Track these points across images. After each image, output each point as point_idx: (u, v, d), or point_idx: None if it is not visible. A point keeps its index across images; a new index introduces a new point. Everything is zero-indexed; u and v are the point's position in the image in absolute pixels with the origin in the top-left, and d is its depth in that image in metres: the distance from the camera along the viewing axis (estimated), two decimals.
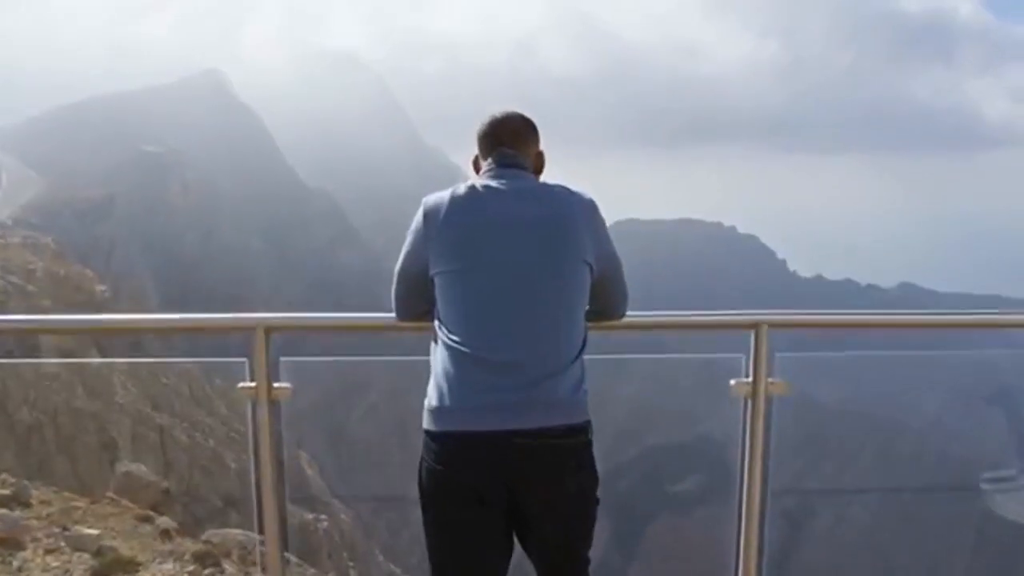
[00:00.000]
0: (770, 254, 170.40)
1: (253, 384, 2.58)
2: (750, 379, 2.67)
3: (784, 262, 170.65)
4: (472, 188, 2.13)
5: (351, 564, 12.72)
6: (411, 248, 2.17)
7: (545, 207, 2.09)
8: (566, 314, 2.05)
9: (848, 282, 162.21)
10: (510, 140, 2.21)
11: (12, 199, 41.86)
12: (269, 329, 2.56)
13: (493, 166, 2.19)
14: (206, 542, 4.98)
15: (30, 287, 15.74)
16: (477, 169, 2.27)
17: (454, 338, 2.02)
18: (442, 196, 2.13)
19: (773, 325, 2.68)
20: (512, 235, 2.04)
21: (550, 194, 2.14)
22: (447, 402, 1.99)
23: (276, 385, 2.59)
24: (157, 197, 53.05)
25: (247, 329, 2.64)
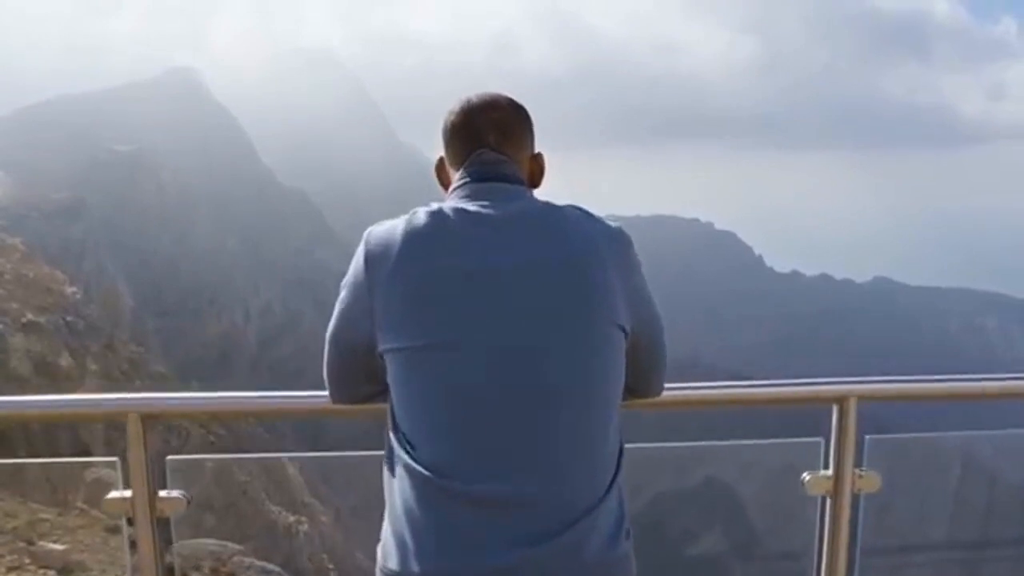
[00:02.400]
0: (747, 250, 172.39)
1: (127, 494, 1.89)
2: (831, 472, 2.01)
3: (761, 258, 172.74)
4: (439, 216, 1.40)
5: (331, 567, 12.62)
6: (347, 306, 1.44)
7: (555, 244, 1.37)
8: (596, 414, 1.33)
9: (824, 277, 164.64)
10: (495, 138, 1.48)
11: None
12: (148, 417, 1.88)
13: (468, 179, 1.46)
14: (176, 554, 4.85)
15: None
16: (445, 183, 1.54)
17: (418, 456, 1.31)
18: (393, 229, 1.41)
19: (865, 397, 2.01)
20: (505, 290, 1.34)
21: (561, 223, 1.40)
22: (413, 566, 1.26)
23: (162, 494, 1.90)
24: (130, 198, 52.27)
25: (115, 417, 1.97)
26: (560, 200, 1.45)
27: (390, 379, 1.38)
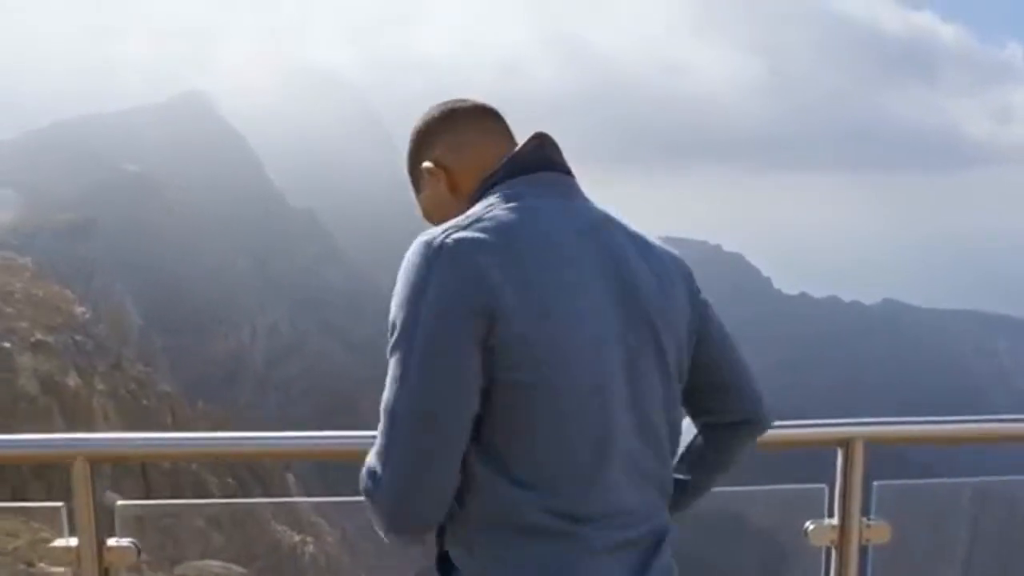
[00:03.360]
0: (755, 272, 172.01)
1: (73, 542, 1.74)
2: (836, 520, 1.86)
3: (769, 280, 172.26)
4: (546, 213, 1.16)
5: None
6: (450, 356, 1.07)
7: (657, 259, 1.23)
8: (674, 443, 1.24)
9: (832, 299, 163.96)
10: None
11: None
12: (94, 458, 1.75)
13: (535, 167, 1.21)
14: None
15: (8, 309, 15.47)
16: (459, 185, 1.26)
17: (553, 504, 1.09)
18: (500, 228, 1.11)
19: (873, 440, 1.87)
20: (642, 311, 1.16)
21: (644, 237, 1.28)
22: None
23: (111, 543, 1.76)
24: (140, 218, 52.66)
25: (61, 460, 1.85)
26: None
27: (498, 413, 1.09)
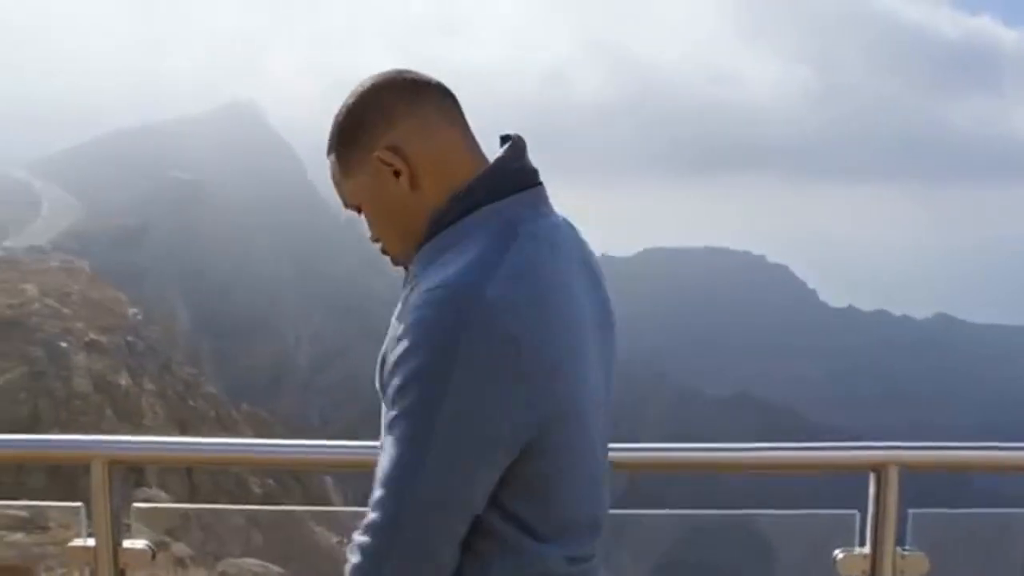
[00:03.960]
0: (800, 284, 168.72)
1: (91, 543, 1.77)
2: (867, 549, 1.77)
3: (815, 292, 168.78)
4: (555, 249, 1.07)
5: None
6: (485, 432, 0.98)
7: (599, 281, 1.15)
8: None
9: (881, 312, 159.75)
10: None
11: (52, 225, 42.98)
12: (113, 462, 1.78)
13: (523, 176, 1.09)
14: (222, 573, 4.87)
15: (65, 310, 16.04)
16: (424, 182, 1.08)
17: (564, 553, 1.06)
18: (526, 279, 1.00)
19: (909, 466, 1.76)
20: (598, 342, 1.12)
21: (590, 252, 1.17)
22: None
23: (127, 544, 1.79)
24: (190, 224, 54.09)
25: (79, 461, 1.88)
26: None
27: (517, 477, 1.02)
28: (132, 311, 18.95)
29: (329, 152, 1.11)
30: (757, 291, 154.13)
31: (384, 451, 0.98)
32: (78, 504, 1.81)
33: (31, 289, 16.44)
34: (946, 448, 1.92)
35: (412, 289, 1.05)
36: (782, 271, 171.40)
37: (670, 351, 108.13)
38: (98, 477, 1.76)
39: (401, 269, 1.17)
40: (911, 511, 1.79)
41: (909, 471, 1.77)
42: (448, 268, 0.99)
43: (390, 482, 0.96)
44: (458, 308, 0.95)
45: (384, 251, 1.17)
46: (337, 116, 1.10)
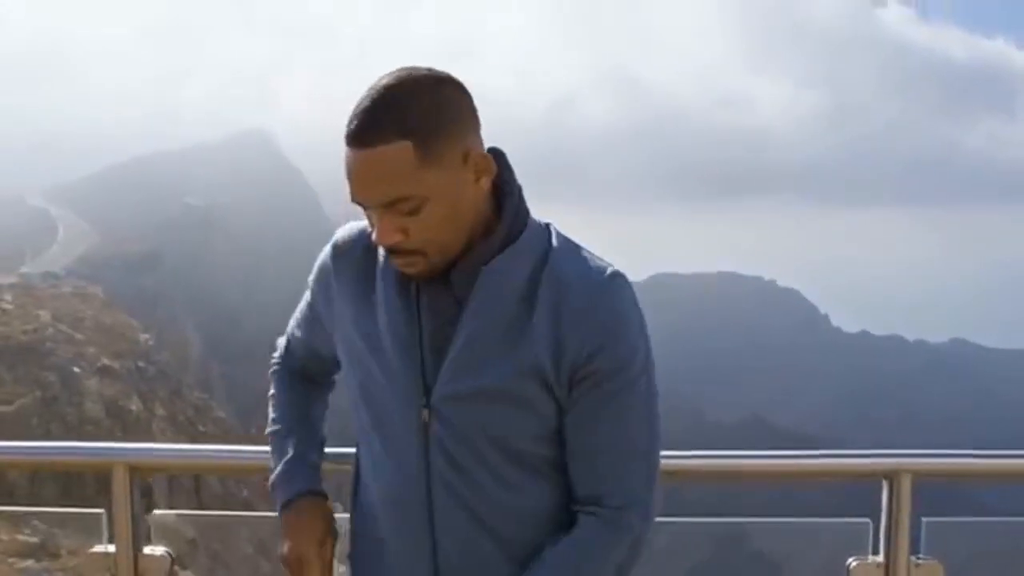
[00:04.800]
0: (812, 308, 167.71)
1: (111, 549, 1.79)
2: (881, 558, 1.77)
3: (827, 316, 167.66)
4: None
5: None
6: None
7: None
8: None
9: (894, 337, 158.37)
10: None
11: (67, 251, 43.50)
12: (134, 468, 1.80)
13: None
14: None
15: (78, 335, 16.15)
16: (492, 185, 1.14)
17: None
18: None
19: (922, 474, 1.76)
20: None
21: None
22: None
23: (147, 551, 1.80)
24: (202, 251, 54.56)
25: (101, 468, 1.89)
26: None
27: None
28: (144, 336, 19.06)
29: (392, 138, 1.04)
30: (768, 316, 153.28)
31: (611, 427, 1.11)
32: (99, 511, 1.83)
33: (45, 315, 16.58)
34: (959, 456, 1.92)
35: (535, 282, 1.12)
36: (793, 295, 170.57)
37: (681, 376, 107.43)
38: (119, 484, 1.77)
39: None
40: (925, 519, 1.78)
41: (922, 479, 1.76)
42: (588, 263, 1.14)
43: (642, 445, 1.14)
44: (636, 302, 1.14)
45: (407, 252, 1.09)
46: (408, 98, 1.05)
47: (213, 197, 62.66)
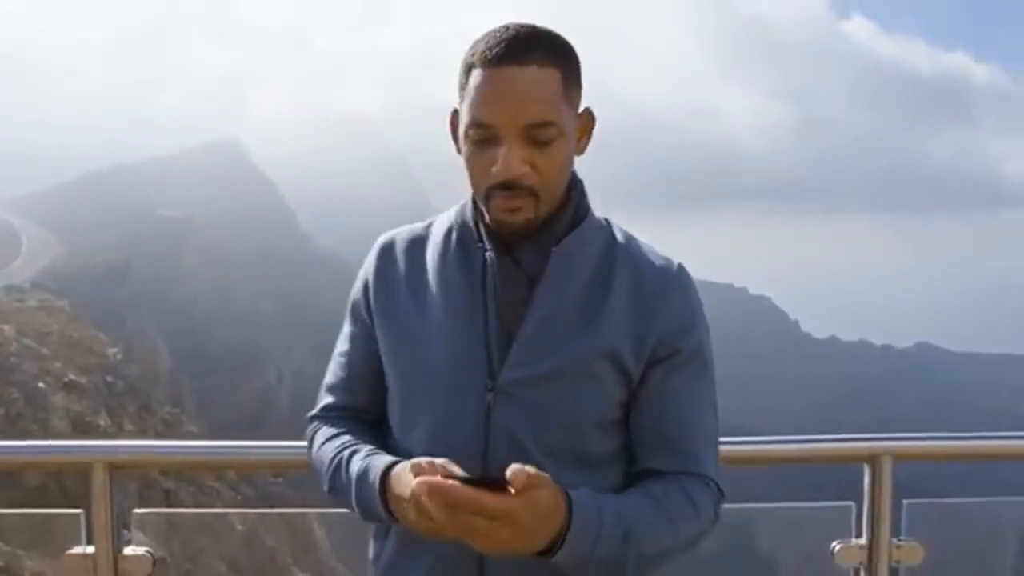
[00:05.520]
0: (782, 315, 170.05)
1: (90, 550, 1.74)
2: (864, 540, 1.79)
3: (797, 323, 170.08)
4: None
5: None
6: None
7: None
8: None
9: (863, 343, 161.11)
10: None
11: (31, 263, 42.60)
12: (114, 466, 1.76)
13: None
14: None
15: (44, 350, 15.82)
16: (583, 199, 1.20)
17: None
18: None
19: (902, 456, 1.80)
20: None
21: None
22: None
23: (127, 551, 1.76)
24: (173, 262, 53.77)
25: (79, 467, 1.84)
26: None
27: None
28: (112, 351, 18.71)
29: (547, 62, 1.04)
30: (740, 323, 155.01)
31: (690, 403, 1.14)
32: (78, 511, 1.77)
33: (8, 329, 16.20)
34: (938, 438, 1.95)
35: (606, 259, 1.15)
36: (765, 303, 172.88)
37: None
38: (98, 482, 1.73)
39: None
40: (906, 501, 1.81)
41: (903, 461, 1.79)
42: (656, 253, 1.19)
43: (710, 434, 1.16)
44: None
45: (523, 192, 1.05)
46: (554, 35, 1.06)
47: (184, 208, 61.87)
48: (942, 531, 1.93)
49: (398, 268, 1.19)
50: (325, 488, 1.18)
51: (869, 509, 1.79)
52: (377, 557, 1.22)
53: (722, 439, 1.97)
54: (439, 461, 0.99)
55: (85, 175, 77.70)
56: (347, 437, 1.18)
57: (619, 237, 1.17)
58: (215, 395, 45.11)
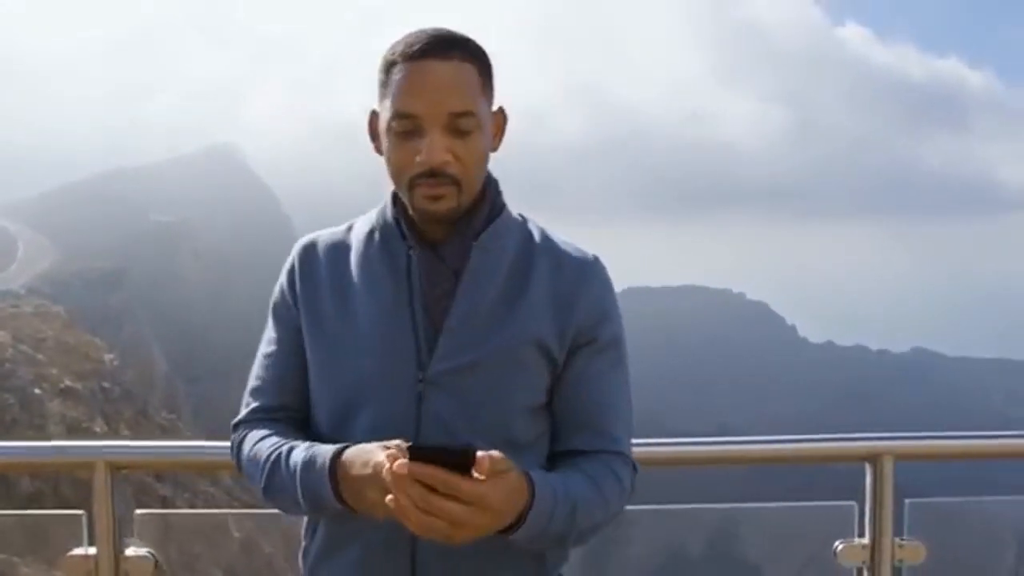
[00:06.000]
0: (779, 320, 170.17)
1: (92, 551, 1.73)
2: (867, 539, 1.80)
3: (794, 328, 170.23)
4: None
5: None
6: None
7: None
8: None
9: (859, 348, 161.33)
10: None
11: (27, 268, 42.47)
12: (115, 466, 1.74)
13: None
14: None
15: (39, 356, 15.78)
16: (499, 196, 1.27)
17: None
18: None
19: (903, 456, 1.81)
20: None
21: None
22: None
23: (129, 552, 1.75)
24: (168, 267, 53.67)
25: (81, 467, 1.83)
26: None
27: None
28: (108, 356, 18.67)
29: (465, 58, 1.10)
30: (736, 328, 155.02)
31: (609, 388, 1.19)
32: (79, 512, 1.75)
33: (4, 335, 16.16)
34: (939, 437, 1.96)
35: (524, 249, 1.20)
36: (761, 308, 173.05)
37: (649, 389, 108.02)
38: (100, 483, 1.71)
39: None
40: (908, 500, 1.82)
41: (904, 461, 1.79)
42: (572, 246, 1.23)
43: (628, 417, 1.21)
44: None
45: (446, 180, 1.09)
46: (467, 37, 1.13)
47: (179, 213, 61.77)
48: (944, 530, 1.94)
49: (321, 269, 1.22)
50: (259, 488, 1.17)
51: (871, 509, 1.79)
52: (307, 552, 1.23)
53: (725, 439, 1.99)
54: (395, 442, 1.01)
55: (81, 180, 77.59)
56: (278, 437, 1.18)
57: (535, 231, 1.21)
58: (211, 400, 44.98)
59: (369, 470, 1.00)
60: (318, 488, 1.08)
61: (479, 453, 0.94)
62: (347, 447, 1.07)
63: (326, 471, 1.06)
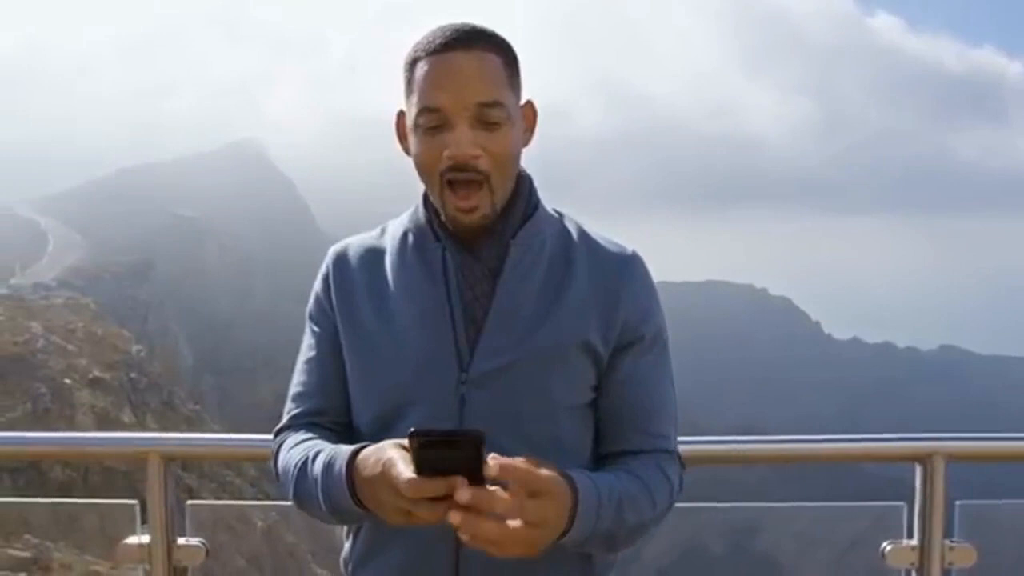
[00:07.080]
0: (803, 316, 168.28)
1: (145, 540, 1.76)
2: (916, 541, 1.76)
3: (818, 324, 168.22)
4: None
5: None
6: None
7: None
8: None
9: (886, 345, 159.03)
10: None
11: (57, 261, 43.28)
12: (168, 457, 1.79)
13: None
14: None
15: (69, 346, 16.08)
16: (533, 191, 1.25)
17: None
18: None
19: (955, 457, 1.75)
20: None
21: None
22: None
23: (181, 541, 1.77)
24: (194, 261, 54.36)
25: (135, 457, 1.87)
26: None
27: None
28: (136, 348, 18.97)
29: (488, 49, 1.07)
30: (760, 324, 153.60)
31: (656, 387, 1.16)
32: (133, 502, 1.80)
33: (36, 326, 16.49)
34: (992, 439, 1.91)
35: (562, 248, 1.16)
36: (785, 303, 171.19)
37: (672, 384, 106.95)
38: (154, 473, 1.75)
39: None
40: (958, 502, 1.78)
41: (956, 462, 1.75)
42: (610, 241, 1.20)
43: (674, 412, 1.19)
44: None
45: (476, 178, 1.06)
46: (494, 33, 1.10)
47: (204, 208, 62.53)
48: (995, 534, 1.90)
49: (356, 274, 1.19)
50: (290, 497, 1.13)
51: (921, 510, 1.75)
52: (348, 556, 1.19)
53: (773, 437, 1.97)
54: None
55: (106, 176, 78.83)
56: (314, 441, 1.13)
57: (572, 227, 1.18)
58: (235, 393, 45.54)
59: (379, 469, 0.94)
60: (337, 494, 1.02)
61: (490, 461, 0.89)
62: (364, 446, 1.02)
63: (343, 473, 1.01)
